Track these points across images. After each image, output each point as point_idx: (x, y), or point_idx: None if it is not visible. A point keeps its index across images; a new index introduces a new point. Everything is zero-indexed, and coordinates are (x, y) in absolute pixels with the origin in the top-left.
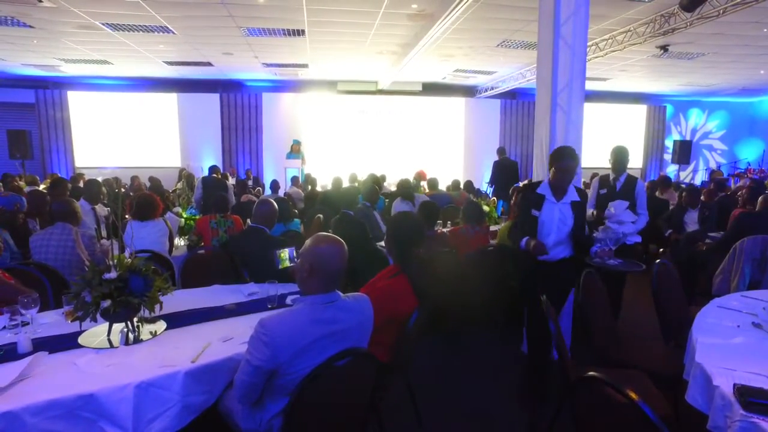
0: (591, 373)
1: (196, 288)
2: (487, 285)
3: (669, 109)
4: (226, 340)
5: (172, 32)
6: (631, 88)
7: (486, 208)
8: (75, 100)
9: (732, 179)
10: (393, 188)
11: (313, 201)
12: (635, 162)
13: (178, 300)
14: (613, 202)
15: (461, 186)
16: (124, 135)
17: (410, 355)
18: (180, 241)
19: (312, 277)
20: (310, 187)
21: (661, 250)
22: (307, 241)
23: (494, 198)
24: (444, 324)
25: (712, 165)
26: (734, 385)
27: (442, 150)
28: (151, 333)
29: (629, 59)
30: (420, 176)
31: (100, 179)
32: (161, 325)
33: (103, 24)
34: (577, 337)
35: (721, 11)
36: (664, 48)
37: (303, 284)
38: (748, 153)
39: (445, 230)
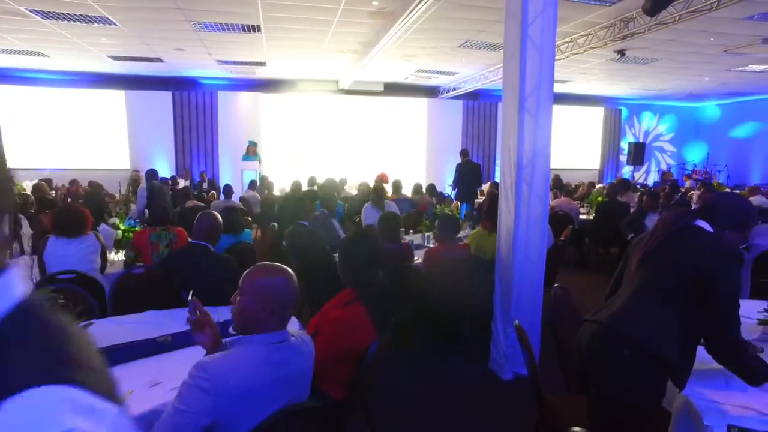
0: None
1: (127, 315)
2: (454, 299)
3: (624, 111)
4: (153, 385)
5: (115, 24)
6: (590, 90)
7: (448, 212)
8: (4, 94)
9: (687, 181)
10: (354, 191)
11: (269, 206)
12: (593, 163)
13: (100, 331)
14: None
15: (423, 190)
16: (65, 134)
17: (369, 388)
18: (117, 257)
19: (266, 313)
20: (266, 191)
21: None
22: (251, 274)
23: (457, 202)
24: (407, 343)
25: (663, 166)
26: (728, 426)
27: (404, 151)
28: None
29: (588, 62)
30: (381, 179)
31: (28, 182)
32: None
33: (30, 11)
34: (547, 353)
35: (677, 18)
36: (621, 52)
37: (251, 323)
38: (694, 155)
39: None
